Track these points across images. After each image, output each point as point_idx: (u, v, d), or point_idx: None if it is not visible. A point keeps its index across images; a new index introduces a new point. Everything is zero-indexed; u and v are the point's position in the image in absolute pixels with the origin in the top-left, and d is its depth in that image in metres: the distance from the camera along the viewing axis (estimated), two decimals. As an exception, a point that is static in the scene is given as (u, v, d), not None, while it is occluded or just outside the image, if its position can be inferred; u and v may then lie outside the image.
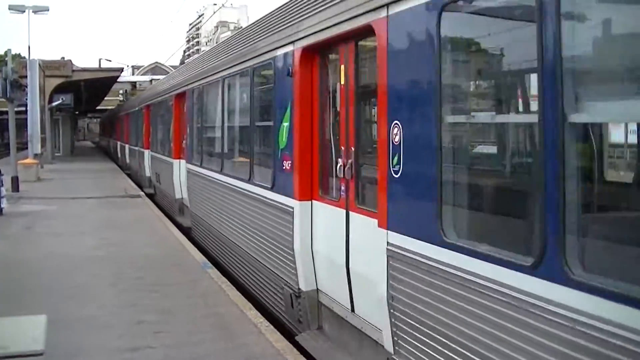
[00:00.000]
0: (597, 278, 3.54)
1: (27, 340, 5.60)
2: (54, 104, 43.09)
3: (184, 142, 17.02)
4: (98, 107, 71.52)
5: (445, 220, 4.86)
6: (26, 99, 29.72)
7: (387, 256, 5.65)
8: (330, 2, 6.89)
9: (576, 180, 3.73)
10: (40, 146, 33.42)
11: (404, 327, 5.43)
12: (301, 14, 7.79)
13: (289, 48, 8.09)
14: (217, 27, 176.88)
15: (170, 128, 19.31)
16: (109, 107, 65.07)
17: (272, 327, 8.27)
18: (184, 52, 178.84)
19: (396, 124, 5.48)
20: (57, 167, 37.29)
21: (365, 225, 6.41)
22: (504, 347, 4.15)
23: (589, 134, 3.90)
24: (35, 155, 31.28)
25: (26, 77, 30.29)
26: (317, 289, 7.84)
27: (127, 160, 35.81)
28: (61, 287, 10.21)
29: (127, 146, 36.23)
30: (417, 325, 5.21)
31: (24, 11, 33.89)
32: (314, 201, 7.82)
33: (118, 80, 51.98)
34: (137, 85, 62.79)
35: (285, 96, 8.24)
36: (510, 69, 4.68)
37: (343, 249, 6.95)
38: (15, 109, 26.84)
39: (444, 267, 4.82)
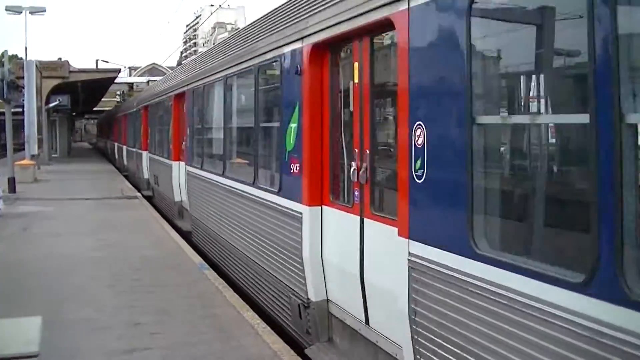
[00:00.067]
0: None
1: (22, 342, 5.60)
2: (51, 105, 42.91)
3: (184, 143, 16.59)
4: (95, 109, 71.66)
5: (477, 230, 4.44)
6: (23, 100, 30.01)
7: (409, 267, 5.22)
8: (343, -5, 6.47)
9: (634, 186, 3.31)
10: (37, 147, 33.64)
11: (428, 344, 5.00)
12: (311, 8, 7.35)
13: (298, 45, 7.67)
14: (214, 28, 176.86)
15: (169, 129, 18.88)
16: (106, 109, 65.07)
17: (269, 328, 8.28)
18: (181, 53, 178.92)
19: (419, 125, 5.06)
20: (54, 168, 37.28)
21: (382, 234, 5.99)
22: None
23: None
24: (32, 157, 31.42)
25: (23, 78, 30.53)
26: (327, 299, 7.41)
27: (125, 162, 35.44)
28: (58, 288, 10.20)
29: (124, 147, 35.87)
30: (444, 343, 4.77)
31: (21, 12, 34.16)
32: (324, 206, 7.40)
33: (115, 81, 51.76)
34: (135, 87, 62.60)
35: (293, 95, 7.82)
36: (556, 63, 4.24)
37: (357, 258, 6.53)
38: (12, 110, 26.93)
39: (475, 282, 4.39)
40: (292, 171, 7.85)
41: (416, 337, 5.16)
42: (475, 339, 4.40)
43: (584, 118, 3.52)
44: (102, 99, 63.67)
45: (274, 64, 8.72)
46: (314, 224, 7.38)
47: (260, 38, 9.25)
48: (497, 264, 4.20)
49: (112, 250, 13.23)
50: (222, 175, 11.50)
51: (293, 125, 7.80)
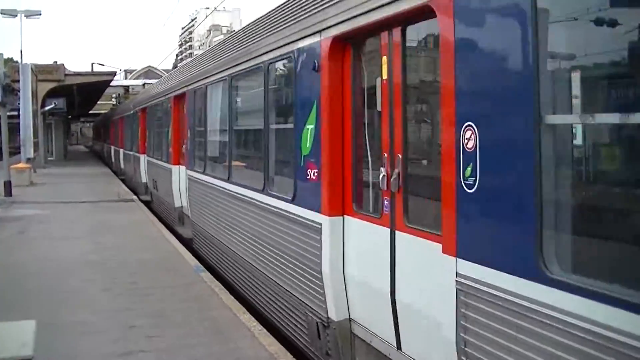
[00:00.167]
0: None
1: (16, 346, 5.60)
2: (47, 108, 42.94)
3: (184, 146, 15.86)
4: (91, 112, 71.45)
5: (548, 249, 3.75)
6: (19, 104, 30.18)
7: (457, 290, 4.53)
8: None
9: None
10: (33, 150, 34.03)
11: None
12: (331, -2, 6.66)
13: (315, 38, 6.97)
14: (209, 30, 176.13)
15: (168, 132, 18.15)
16: (102, 112, 64.70)
17: (265, 330, 8.26)
18: (177, 55, 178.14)
19: (469, 126, 4.36)
20: (50, 172, 37.50)
21: (420, 249, 5.29)
22: None
23: None
24: (28, 160, 31.63)
25: (18, 81, 30.69)
26: (350, 318, 6.72)
27: (122, 166, 34.76)
28: (54, 291, 10.20)
29: (121, 151, 35.17)
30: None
31: (16, 15, 34.30)
32: (345, 216, 6.69)
33: (111, 84, 51.60)
34: (130, 89, 62.44)
35: (310, 94, 7.12)
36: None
37: (387, 275, 5.82)
38: (8, 113, 27.29)
39: (546, 310, 3.70)
40: (308, 177, 7.16)
41: None
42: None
43: None
44: (98, 102, 64.03)
45: (287, 60, 8.03)
46: (334, 236, 6.69)
47: (270, 33, 8.54)
48: (574, 290, 3.51)
49: (109, 253, 13.22)
50: (228, 180, 10.78)
51: (310, 126, 7.11)
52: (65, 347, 7.53)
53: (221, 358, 7.32)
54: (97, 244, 14.26)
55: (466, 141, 4.38)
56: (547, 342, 3.70)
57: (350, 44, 6.58)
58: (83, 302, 9.57)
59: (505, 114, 4.08)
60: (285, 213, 7.86)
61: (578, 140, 3.88)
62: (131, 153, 29.15)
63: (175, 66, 67.67)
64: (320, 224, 6.83)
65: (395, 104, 5.70)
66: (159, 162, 19.89)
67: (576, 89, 3.84)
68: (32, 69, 34.21)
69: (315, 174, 6.98)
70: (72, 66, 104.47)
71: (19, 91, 30.07)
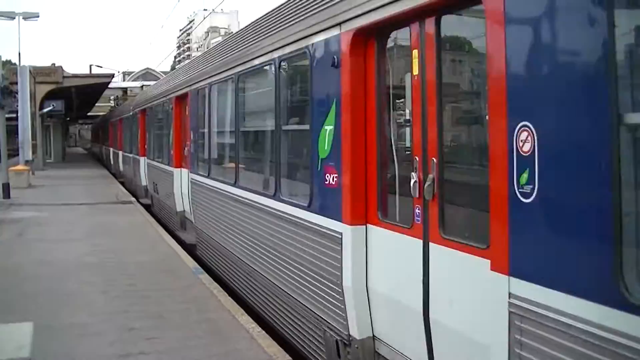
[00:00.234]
0: None
1: (13, 347, 5.59)
2: (45, 110, 42.75)
3: (186, 149, 15.28)
4: (89, 114, 71.24)
5: (628, 270, 3.20)
6: (17, 106, 30.34)
7: (510, 312, 3.97)
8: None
9: None
10: (32, 153, 34.04)
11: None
12: (352, -13, 6.10)
13: (334, 32, 6.42)
14: (207, 32, 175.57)
15: (169, 134, 17.58)
16: (100, 114, 64.43)
17: (264, 332, 8.25)
18: (175, 57, 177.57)
19: (525, 127, 3.80)
20: (49, 174, 37.32)
21: (460, 264, 4.72)
22: None
23: None
24: (27, 162, 31.64)
25: (17, 83, 30.83)
26: (374, 336, 6.17)
27: (121, 168, 34.22)
28: (52, 293, 10.13)
29: (120, 153, 34.62)
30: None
31: (14, 18, 34.43)
32: (369, 225, 6.14)
33: (109, 86, 51.47)
34: (129, 91, 62.27)
35: (328, 93, 6.57)
36: None
37: (419, 291, 5.26)
38: (6, 116, 27.21)
39: (625, 341, 3.16)
40: (327, 182, 6.60)
41: None
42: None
43: None
44: (96, 104, 64.06)
45: (301, 56, 7.47)
46: (357, 247, 6.13)
47: (282, 28, 7.98)
48: None
49: (107, 255, 13.17)
50: (234, 185, 10.22)
51: (328, 127, 6.55)
52: (64, 349, 7.52)
53: (220, 359, 7.33)
54: (95, 246, 14.22)
55: (521, 144, 3.83)
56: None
57: (374, 37, 6.03)
58: (81, 304, 9.54)
59: (574, 112, 3.52)
60: (300, 221, 7.31)
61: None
62: (130, 155, 28.59)
63: (173, 68, 67.40)
64: (341, 234, 6.27)
65: (428, 103, 5.14)
66: (160, 165, 19.33)
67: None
68: (30, 71, 34.26)
69: (335, 179, 6.43)
70: (70, 68, 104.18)
71: (17, 93, 30.10)
